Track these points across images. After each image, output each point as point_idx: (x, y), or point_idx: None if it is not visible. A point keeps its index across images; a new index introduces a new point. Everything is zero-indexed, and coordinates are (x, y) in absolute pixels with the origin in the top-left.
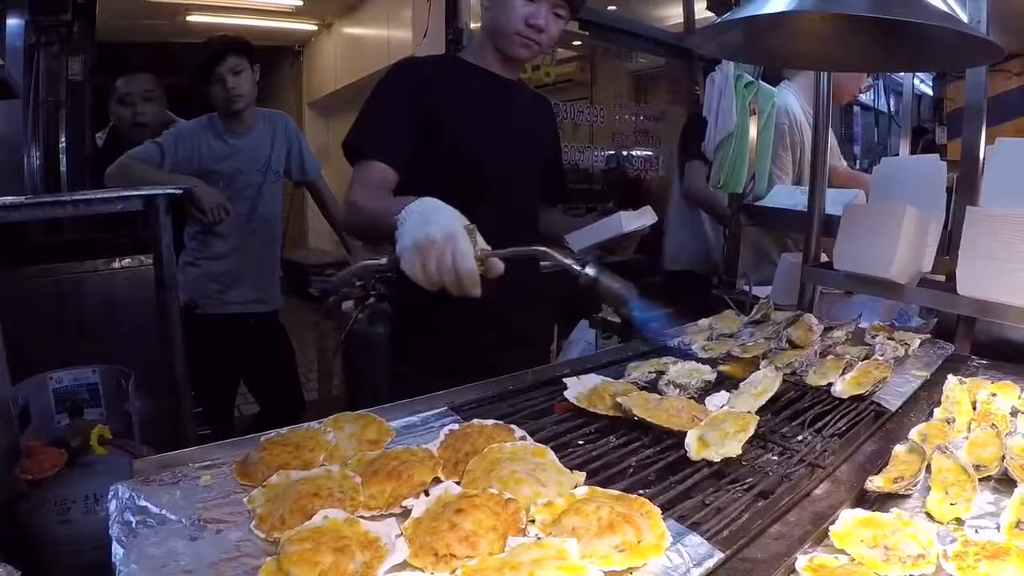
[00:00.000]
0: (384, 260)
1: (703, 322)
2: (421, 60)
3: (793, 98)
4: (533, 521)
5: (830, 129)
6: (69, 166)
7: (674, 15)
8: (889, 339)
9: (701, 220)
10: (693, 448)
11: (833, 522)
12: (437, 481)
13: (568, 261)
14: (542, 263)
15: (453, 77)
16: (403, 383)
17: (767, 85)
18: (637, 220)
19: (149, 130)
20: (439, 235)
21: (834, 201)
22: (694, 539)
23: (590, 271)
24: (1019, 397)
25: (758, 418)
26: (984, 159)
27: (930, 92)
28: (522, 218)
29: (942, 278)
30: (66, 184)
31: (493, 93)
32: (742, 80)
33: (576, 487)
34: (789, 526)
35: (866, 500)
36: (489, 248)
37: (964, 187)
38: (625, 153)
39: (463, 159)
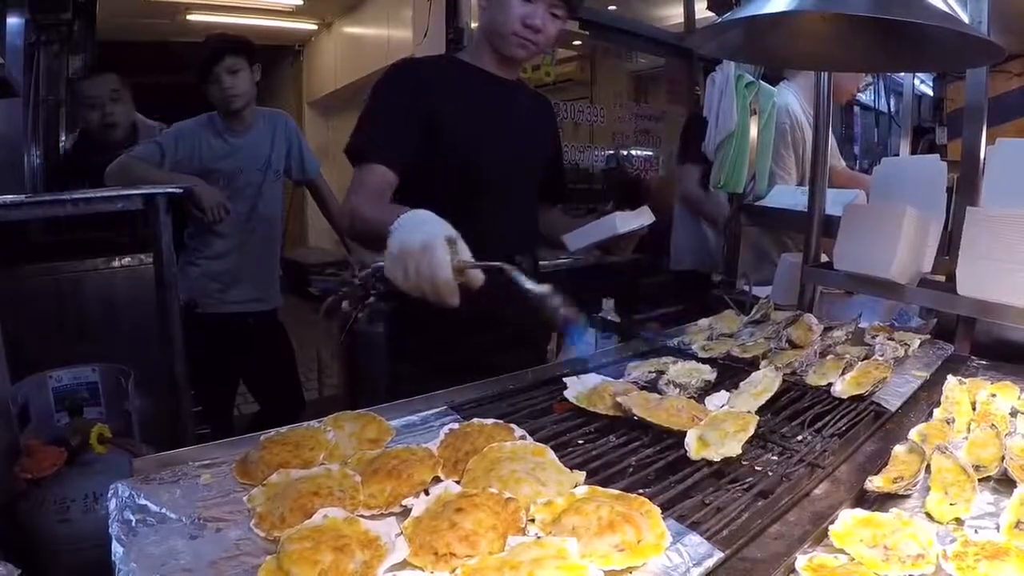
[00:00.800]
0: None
1: (703, 322)
2: (420, 60)
3: (793, 98)
4: (533, 520)
5: (830, 129)
6: None
7: (674, 15)
8: (889, 339)
9: (702, 222)
10: (693, 448)
11: (833, 522)
12: (437, 480)
13: (523, 280)
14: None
15: (452, 77)
16: (403, 382)
17: (767, 85)
18: (633, 221)
19: (119, 130)
20: (418, 245)
21: (834, 201)
22: (694, 539)
23: (539, 290)
24: (1019, 398)
25: (758, 418)
26: (984, 159)
27: (930, 92)
28: (522, 218)
29: (942, 278)
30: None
31: (492, 93)
32: (742, 80)
33: (576, 486)
34: (789, 526)
35: (866, 500)
36: (471, 260)
37: (964, 187)
38: (625, 153)
39: (462, 159)
